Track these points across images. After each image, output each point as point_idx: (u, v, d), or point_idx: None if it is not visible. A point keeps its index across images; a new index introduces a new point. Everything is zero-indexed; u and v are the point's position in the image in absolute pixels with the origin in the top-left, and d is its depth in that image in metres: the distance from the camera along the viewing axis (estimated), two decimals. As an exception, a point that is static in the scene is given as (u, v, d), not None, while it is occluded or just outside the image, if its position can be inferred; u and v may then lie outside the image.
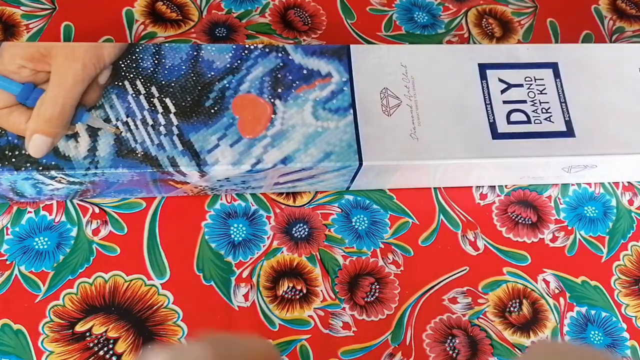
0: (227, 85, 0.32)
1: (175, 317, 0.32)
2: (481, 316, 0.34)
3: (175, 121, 0.31)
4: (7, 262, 0.32)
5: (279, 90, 0.32)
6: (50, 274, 0.32)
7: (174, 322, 0.32)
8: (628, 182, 0.39)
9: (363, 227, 0.35)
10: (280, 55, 0.33)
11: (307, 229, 0.35)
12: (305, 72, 0.33)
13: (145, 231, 0.34)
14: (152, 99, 0.31)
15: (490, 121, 0.33)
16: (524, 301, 0.35)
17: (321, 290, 0.34)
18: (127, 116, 0.31)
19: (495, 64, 0.35)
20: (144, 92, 0.31)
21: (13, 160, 0.29)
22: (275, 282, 0.33)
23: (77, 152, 0.30)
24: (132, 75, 0.32)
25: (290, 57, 0.33)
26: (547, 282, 0.35)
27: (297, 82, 0.33)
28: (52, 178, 0.30)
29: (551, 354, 0.22)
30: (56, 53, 0.31)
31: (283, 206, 0.35)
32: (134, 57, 0.32)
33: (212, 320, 0.32)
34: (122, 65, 0.32)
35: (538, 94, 0.35)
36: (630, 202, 0.38)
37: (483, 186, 0.38)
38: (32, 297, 0.32)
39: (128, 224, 0.34)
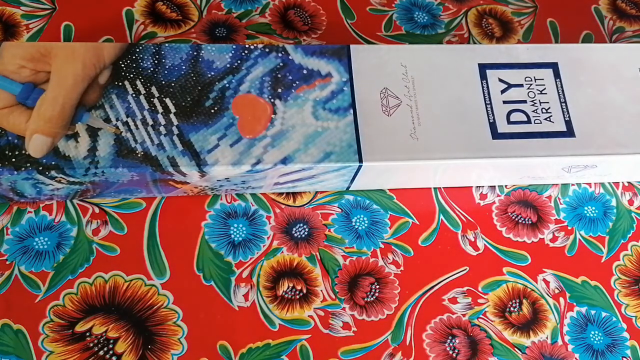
0: (227, 85, 0.32)
1: (175, 317, 0.32)
2: (481, 316, 0.34)
3: (175, 121, 0.31)
4: (7, 262, 0.32)
5: (279, 90, 0.32)
6: (50, 274, 0.32)
7: (174, 322, 0.32)
8: (628, 182, 0.39)
9: (363, 227, 0.35)
10: (280, 55, 0.33)
11: (307, 229, 0.35)
12: (305, 72, 0.33)
13: (145, 231, 0.34)
14: (152, 99, 0.31)
15: (490, 121, 0.33)
16: (524, 301, 0.35)
17: (321, 290, 0.34)
18: (127, 116, 0.31)
19: (495, 64, 0.35)
20: (144, 92, 0.31)
21: (13, 160, 0.29)
22: (275, 282, 0.34)
23: (77, 152, 0.30)
24: (132, 75, 0.32)
25: (290, 57, 0.33)
26: (547, 282, 0.35)
27: (297, 82, 0.33)
28: (52, 178, 0.30)
29: None
30: (56, 53, 0.31)
31: (283, 206, 0.35)
32: (134, 57, 0.32)
33: (212, 320, 0.32)
34: (122, 65, 0.32)
35: (538, 94, 0.35)
36: (630, 202, 0.38)
37: (483, 186, 0.38)
38: (32, 297, 0.32)
39: (128, 224, 0.34)
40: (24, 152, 0.29)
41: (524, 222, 0.37)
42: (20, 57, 0.31)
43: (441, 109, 0.33)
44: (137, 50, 0.32)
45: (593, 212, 0.38)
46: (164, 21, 0.40)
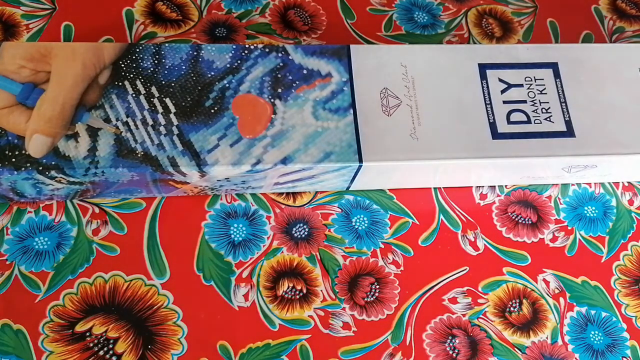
0: (227, 85, 0.32)
1: (175, 317, 0.32)
2: (481, 316, 0.34)
3: (175, 121, 0.31)
4: (7, 262, 0.32)
5: (279, 90, 0.32)
6: (50, 274, 0.32)
7: (174, 322, 0.32)
8: (628, 182, 0.39)
9: (363, 227, 0.35)
10: (280, 55, 0.33)
11: (307, 229, 0.35)
12: (305, 72, 0.33)
13: (145, 231, 0.34)
14: (152, 99, 0.31)
15: (490, 121, 0.33)
16: (524, 301, 0.35)
17: (321, 290, 0.34)
18: (127, 116, 0.31)
19: (495, 64, 0.35)
20: (144, 92, 0.32)
21: (13, 160, 0.29)
22: (275, 282, 0.34)
23: (77, 152, 0.30)
24: (132, 75, 0.32)
25: (290, 57, 0.33)
26: (547, 282, 0.35)
27: (297, 82, 0.33)
28: (52, 178, 0.30)
29: None
30: (56, 53, 0.31)
31: (283, 206, 0.35)
32: (134, 57, 0.32)
33: (212, 320, 0.32)
34: (122, 65, 0.32)
35: (538, 94, 0.35)
36: (630, 202, 0.38)
37: (483, 186, 0.38)
38: (32, 297, 0.32)
39: (128, 224, 0.34)
40: (24, 152, 0.29)
41: (524, 222, 0.37)
42: (20, 57, 0.31)
43: (441, 109, 0.33)
44: (137, 50, 0.32)
45: (593, 212, 0.38)
46: (164, 21, 0.40)
